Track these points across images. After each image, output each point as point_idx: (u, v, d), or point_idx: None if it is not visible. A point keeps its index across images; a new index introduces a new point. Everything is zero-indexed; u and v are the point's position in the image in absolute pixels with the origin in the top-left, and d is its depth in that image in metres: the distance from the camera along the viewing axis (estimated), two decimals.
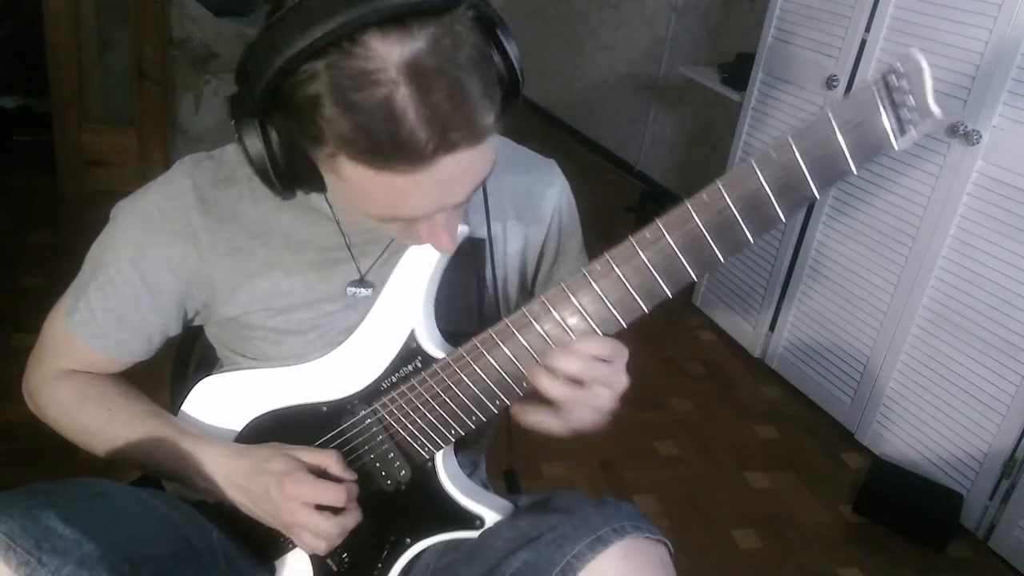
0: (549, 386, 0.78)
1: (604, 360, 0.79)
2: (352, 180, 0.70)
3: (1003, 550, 1.96)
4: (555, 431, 0.82)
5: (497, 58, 0.73)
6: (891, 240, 2.17)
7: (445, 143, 0.66)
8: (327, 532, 0.83)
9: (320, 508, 0.83)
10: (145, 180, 0.91)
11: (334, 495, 0.83)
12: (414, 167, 0.67)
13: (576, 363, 0.77)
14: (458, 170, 0.70)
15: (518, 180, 0.98)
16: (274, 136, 0.72)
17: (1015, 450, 1.90)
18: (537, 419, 0.81)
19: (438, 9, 0.65)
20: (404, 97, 0.64)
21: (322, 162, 0.71)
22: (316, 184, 0.75)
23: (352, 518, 0.85)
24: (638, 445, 2.23)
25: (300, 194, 0.89)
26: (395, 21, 0.64)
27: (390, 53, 0.63)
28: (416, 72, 0.64)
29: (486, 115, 0.69)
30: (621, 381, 0.82)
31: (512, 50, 0.74)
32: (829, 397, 2.42)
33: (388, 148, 0.65)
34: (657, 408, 2.41)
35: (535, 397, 0.81)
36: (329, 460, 0.85)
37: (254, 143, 0.72)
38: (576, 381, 0.78)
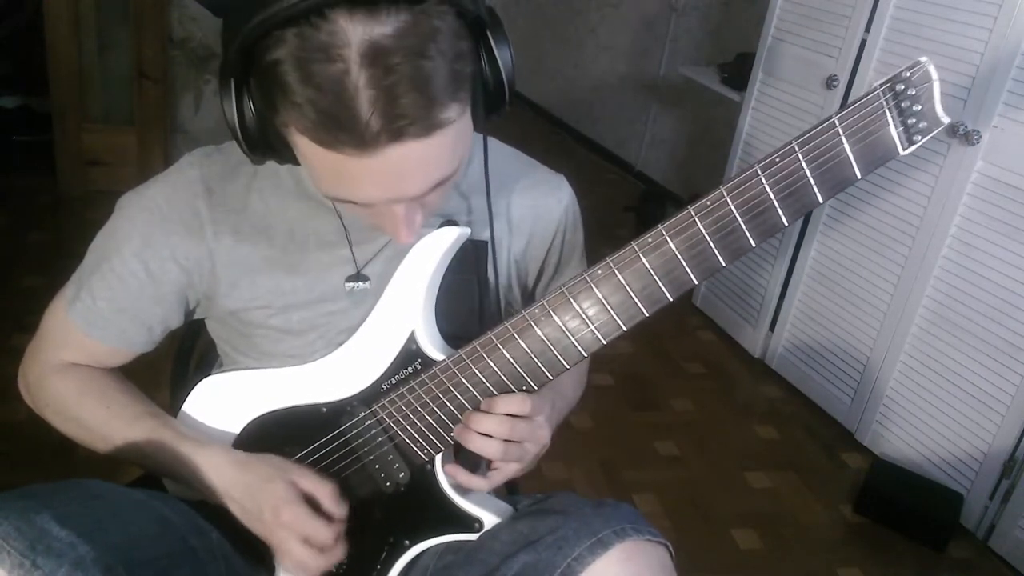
0: (481, 446, 0.84)
1: (523, 416, 0.84)
2: (305, 154, 0.71)
3: (1003, 550, 1.96)
4: (478, 488, 0.89)
5: (483, 60, 0.74)
6: (891, 240, 2.17)
7: (392, 131, 0.66)
8: (309, 565, 0.84)
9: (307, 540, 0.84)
10: (145, 180, 0.91)
11: (323, 535, 0.84)
12: (360, 151, 0.67)
13: (494, 424, 0.83)
14: (409, 162, 0.69)
15: (526, 193, 0.98)
16: (247, 99, 0.73)
17: (1015, 450, 1.90)
18: (464, 479, 0.87)
19: None
20: (357, 77, 0.64)
21: (282, 131, 0.72)
22: (286, 153, 0.75)
23: (336, 557, 0.86)
24: (638, 445, 2.23)
25: (304, 186, 0.90)
26: (365, 2, 0.63)
27: (353, 32, 0.63)
28: (374, 55, 0.63)
29: (444, 110, 0.68)
30: (543, 436, 0.87)
31: (501, 54, 0.74)
32: (829, 397, 2.42)
33: (332, 126, 0.65)
34: (657, 408, 2.41)
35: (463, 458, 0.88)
36: (325, 493, 0.85)
37: (228, 104, 0.73)
38: (502, 439, 0.84)
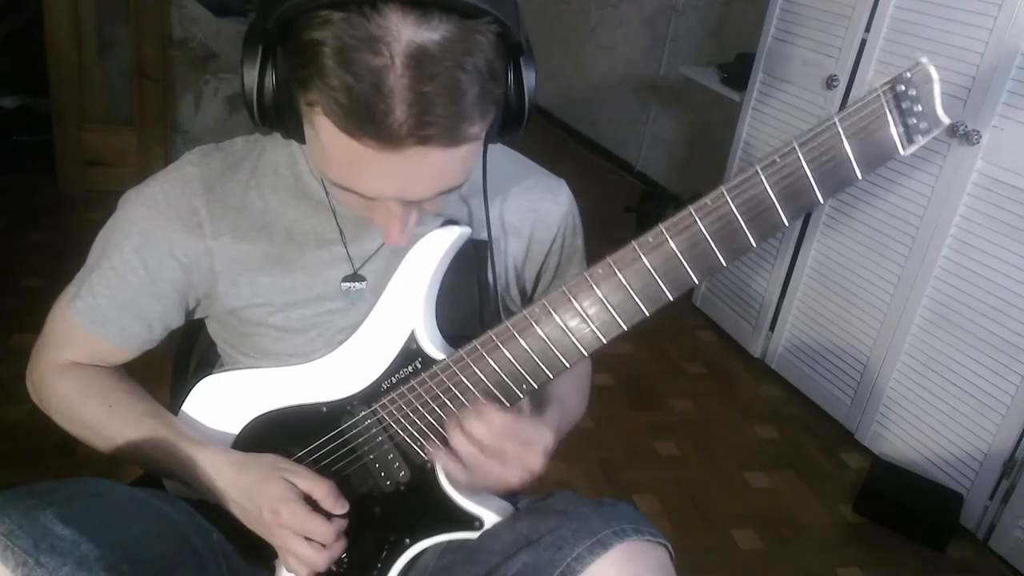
0: (455, 439, 0.82)
1: (524, 440, 0.82)
2: (322, 136, 0.71)
3: (1003, 550, 1.96)
4: (458, 479, 0.86)
5: (510, 82, 0.75)
6: (891, 240, 2.17)
7: (418, 135, 0.67)
8: (312, 561, 0.85)
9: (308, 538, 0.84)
10: (145, 180, 0.91)
11: (323, 532, 0.84)
12: (381, 145, 0.67)
13: (485, 432, 0.81)
14: (424, 166, 0.70)
15: (525, 196, 0.98)
16: (271, 69, 0.73)
17: (1015, 450, 1.90)
18: (447, 461, 0.84)
19: (463, 11, 0.66)
20: (397, 76, 0.65)
21: (303, 109, 0.72)
22: (295, 129, 0.76)
23: (338, 551, 0.87)
24: (638, 445, 2.24)
25: (303, 184, 0.89)
26: (420, 5, 0.65)
27: (402, 31, 0.64)
28: (418, 57, 0.65)
29: (470, 124, 0.70)
30: (533, 464, 0.84)
31: (527, 80, 0.76)
32: (829, 397, 2.42)
33: (362, 116, 0.66)
34: (657, 408, 2.41)
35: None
36: (322, 491, 0.85)
37: (250, 68, 0.73)
38: (485, 448, 0.82)
